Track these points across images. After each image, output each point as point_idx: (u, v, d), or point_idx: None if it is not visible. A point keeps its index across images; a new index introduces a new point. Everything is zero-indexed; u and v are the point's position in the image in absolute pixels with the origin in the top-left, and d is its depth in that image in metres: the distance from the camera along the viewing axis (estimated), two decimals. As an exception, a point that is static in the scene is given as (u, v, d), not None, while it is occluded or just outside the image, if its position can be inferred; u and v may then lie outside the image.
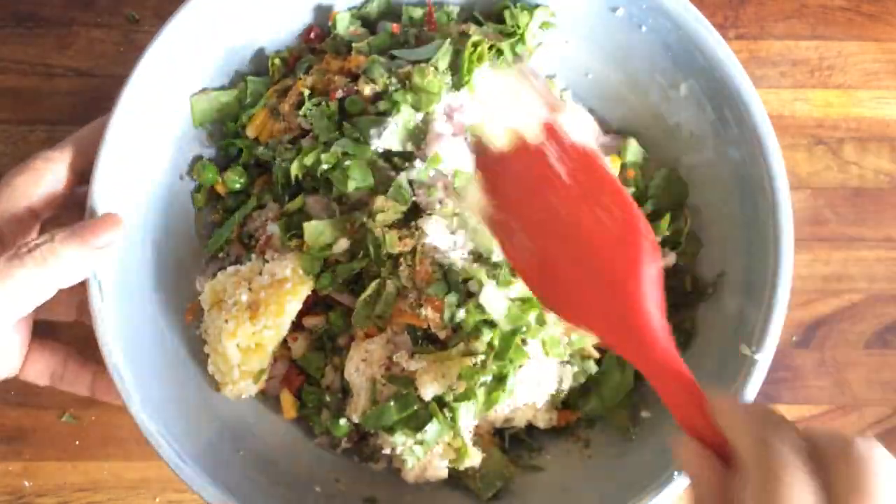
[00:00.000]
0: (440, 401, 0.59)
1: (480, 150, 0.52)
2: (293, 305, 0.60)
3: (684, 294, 0.65)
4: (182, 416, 0.58)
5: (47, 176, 0.56)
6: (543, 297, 0.50)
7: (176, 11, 0.58)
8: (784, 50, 0.80)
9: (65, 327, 0.61)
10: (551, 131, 0.48)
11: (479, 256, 0.60)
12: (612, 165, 0.67)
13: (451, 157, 0.61)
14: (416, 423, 0.59)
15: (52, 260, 0.51)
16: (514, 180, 0.50)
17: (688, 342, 0.64)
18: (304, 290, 0.60)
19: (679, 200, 0.66)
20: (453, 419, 0.58)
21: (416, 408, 0.59)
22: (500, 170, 0.51)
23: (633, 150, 0.67)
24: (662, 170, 0.67)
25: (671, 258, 0.65)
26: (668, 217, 0.64)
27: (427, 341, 0.61)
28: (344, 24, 0.66)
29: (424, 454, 0.60)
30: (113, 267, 0.56)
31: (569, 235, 0.47)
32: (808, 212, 0.77)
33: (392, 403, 0.59)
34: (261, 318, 0.59)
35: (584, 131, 0.66)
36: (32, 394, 0.72)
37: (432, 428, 0.59)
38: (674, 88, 0.64)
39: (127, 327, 0.56)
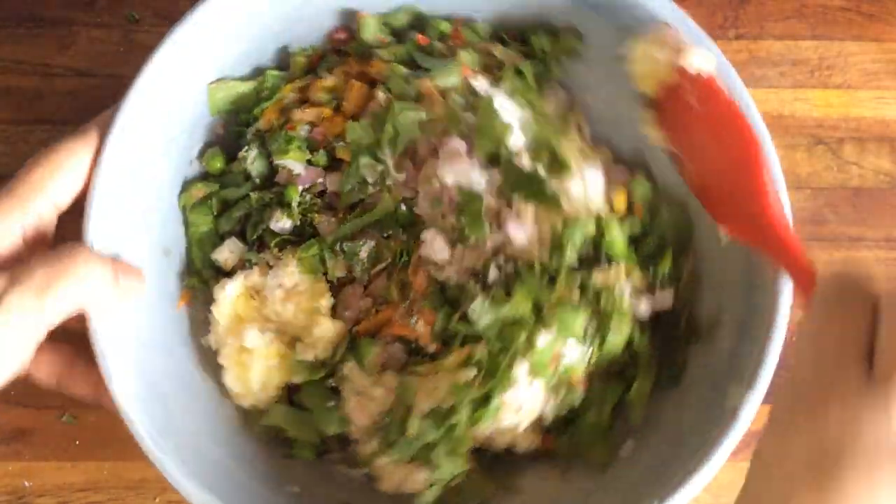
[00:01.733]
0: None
1: (649, 100, 0.61)
2: (325, 304, 0.60)
3: (678, 334, 0.63)
4: (163, 408, 0.57)
5: (66, 168, 0.54)
6: (708, 207, 0.59)
7: None
8: (784, 50, 0.80)
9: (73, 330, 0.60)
10: (682, 72, 0.57)
11: (475, 273, 0.60)
12: (617, 200, 0.65)
13: (461, 175, 0.60)
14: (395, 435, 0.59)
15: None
16: (670, 117, 0.60)
17: (677, 380, 0.62)
18: (323, 287, 0.60)
19: (684, 238, 0.64)
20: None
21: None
22: (660, 110, 0.60)
23: (641, 183, 0.65)
24: (669, 205, 0.64)
25: (669, 296, 0.63)
26: (669, 255, 0.62)
27: (416, 355, 0.60)
28: (371, 30, 0.65)
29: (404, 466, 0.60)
30: (116, 249, 0.56)
31: (709, 155, 0.57)
32: (808, 212, 0.77)
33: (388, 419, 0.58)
34: (299, 337, 0.61)
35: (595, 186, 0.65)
36: (32, 394, 0.72)
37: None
38: None
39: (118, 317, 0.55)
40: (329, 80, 0.64)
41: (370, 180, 0.61)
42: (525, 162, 0.62)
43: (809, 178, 0.78)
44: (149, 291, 0.59)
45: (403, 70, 0.62)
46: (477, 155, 0.61)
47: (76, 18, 0.78)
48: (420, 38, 0.65)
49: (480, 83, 0.62)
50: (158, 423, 0.55)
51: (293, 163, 0.62)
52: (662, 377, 0.63)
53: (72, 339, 0.54)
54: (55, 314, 0.49)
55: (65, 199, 0.54)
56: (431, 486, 0.59)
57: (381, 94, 0.62)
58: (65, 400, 0.71)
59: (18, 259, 0.51)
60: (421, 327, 0.59)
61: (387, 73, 0.62)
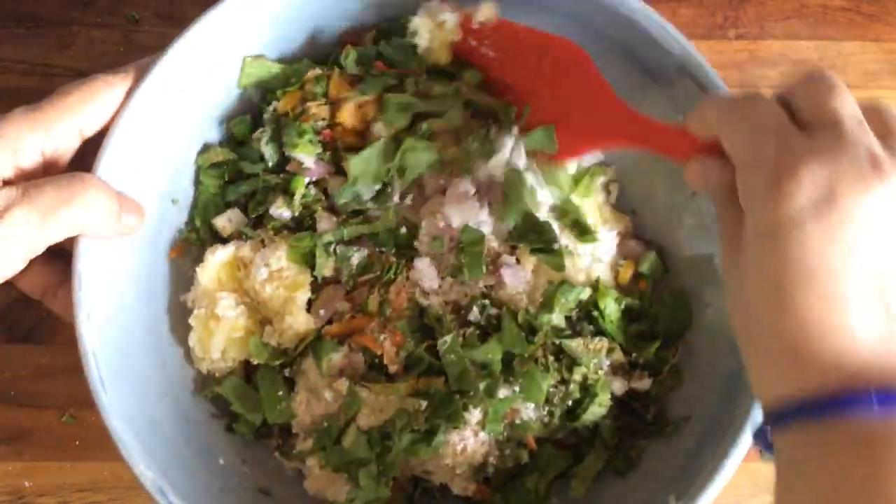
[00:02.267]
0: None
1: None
2: (302, 296, 0.60)
3: (643, 423, 0.62)
4: (120, 346, 0.56)
5: (100, 96, 0.54)
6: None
7: None
8: (784, 50, 0.80)
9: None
10: (468, 31, 0.61)
11: (457, 308, 0.60)
12: (623, 271, 0.64)
13: (468, 217, 0.60)
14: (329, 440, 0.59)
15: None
16: (481, 60, 0.62)
17: (628, 469, 0.61)
18: (306, 279, 0.61)
19: (678, 329, 0.62)
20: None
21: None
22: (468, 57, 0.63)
23: (651, 262, 0.64)
24: (674, 294, 0.63)
25: (646, 383, 0.61)
26: (657, 343, 0.61)
27: (376, 370, 0.60)
28: (351, 61, 0.64)
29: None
30: (123, 185, 0.56)
31: (536, 92, 0.59)
32: (808, 212, 0.77)
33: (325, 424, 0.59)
34: (270, 320, 0.60)
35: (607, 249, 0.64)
36: (32, 394, 0.72)
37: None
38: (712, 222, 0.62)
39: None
40: (316, 71, 0.63)
41: (366, 197, 0.61)
42: (543, 214, 0.61)
43: (809, 178, 0.78)
44: (145, 234, 0.59)
45: (396, 101, 0.61)
46: (505, 223, 0.61)
47: (76, 18, 0.78)
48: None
49: (498, 133, 0.62)
50: (112, 359, 0.54)
51: (303, 156, 0.62)
52: (616, 461, 0.61)
53: (67, 257, 0.54)
54: (54, 234, 0.50)
55: (91, 128, 0.55)
56: (351, 501, 0.59)
57: (379, 126, 0.61)
58: (65, 400, 0.71)
59: (34, 177, 0.52)
60: (388, 345, 0.59)
61: (385, 107, 0.61)
